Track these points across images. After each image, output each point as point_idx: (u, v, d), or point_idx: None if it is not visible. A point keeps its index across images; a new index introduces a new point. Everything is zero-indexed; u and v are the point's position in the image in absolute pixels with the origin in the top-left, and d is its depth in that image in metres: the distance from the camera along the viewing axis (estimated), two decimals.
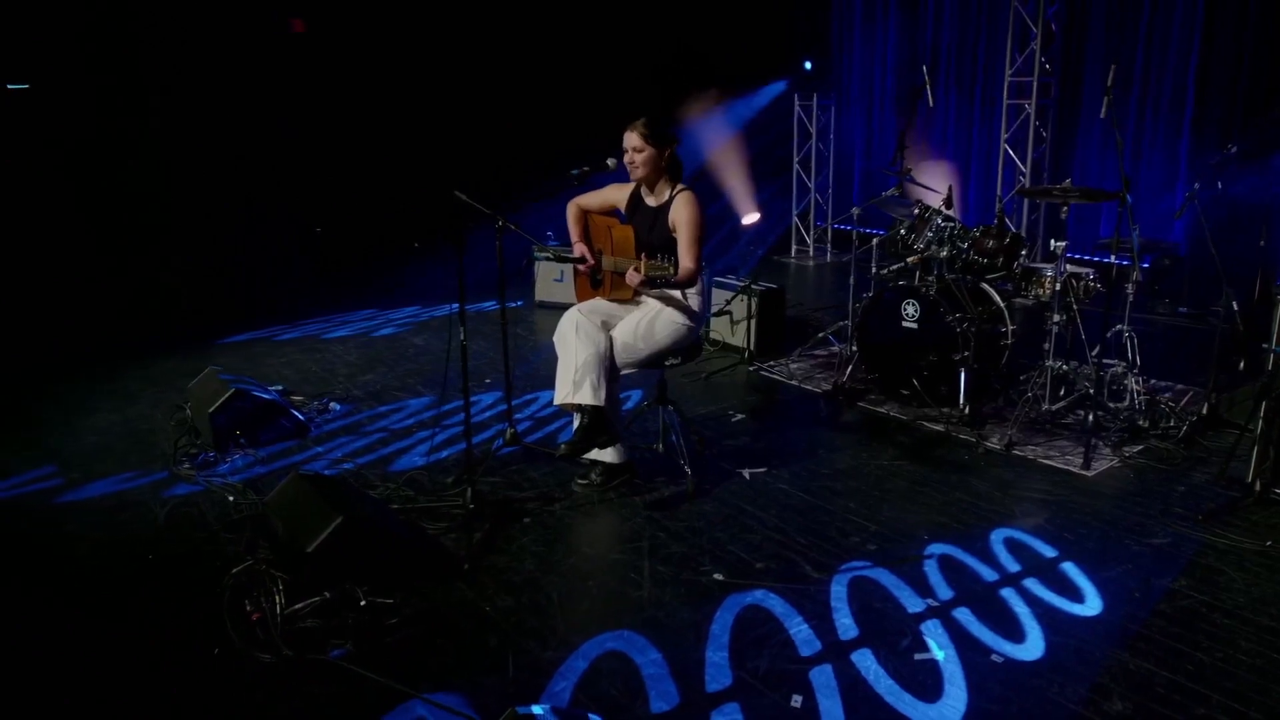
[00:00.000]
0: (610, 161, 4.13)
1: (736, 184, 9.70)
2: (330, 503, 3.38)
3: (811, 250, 10.66)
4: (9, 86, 8.31)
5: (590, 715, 2.48)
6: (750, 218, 9.90)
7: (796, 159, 10.55)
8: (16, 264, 7.63)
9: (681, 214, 4.07)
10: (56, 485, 4.45)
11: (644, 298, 4.20)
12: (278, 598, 3.17)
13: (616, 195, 4.38)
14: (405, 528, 3.74)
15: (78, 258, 8.08)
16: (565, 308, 6.23)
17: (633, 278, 3.78)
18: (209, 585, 3.40)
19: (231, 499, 4.21)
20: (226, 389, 4.84)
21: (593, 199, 4.42)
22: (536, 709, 2.28)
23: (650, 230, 4.17)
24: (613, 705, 2.78)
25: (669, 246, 4.08)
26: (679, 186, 4.18)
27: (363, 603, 3.19)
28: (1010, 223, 8.51)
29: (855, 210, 6.03)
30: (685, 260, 4.00)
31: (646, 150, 4.11)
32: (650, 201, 4.25)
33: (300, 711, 2.79)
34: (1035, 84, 8.43)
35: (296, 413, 5.19)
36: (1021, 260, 5.38)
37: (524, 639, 3.14)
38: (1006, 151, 8.74)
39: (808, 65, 10.36)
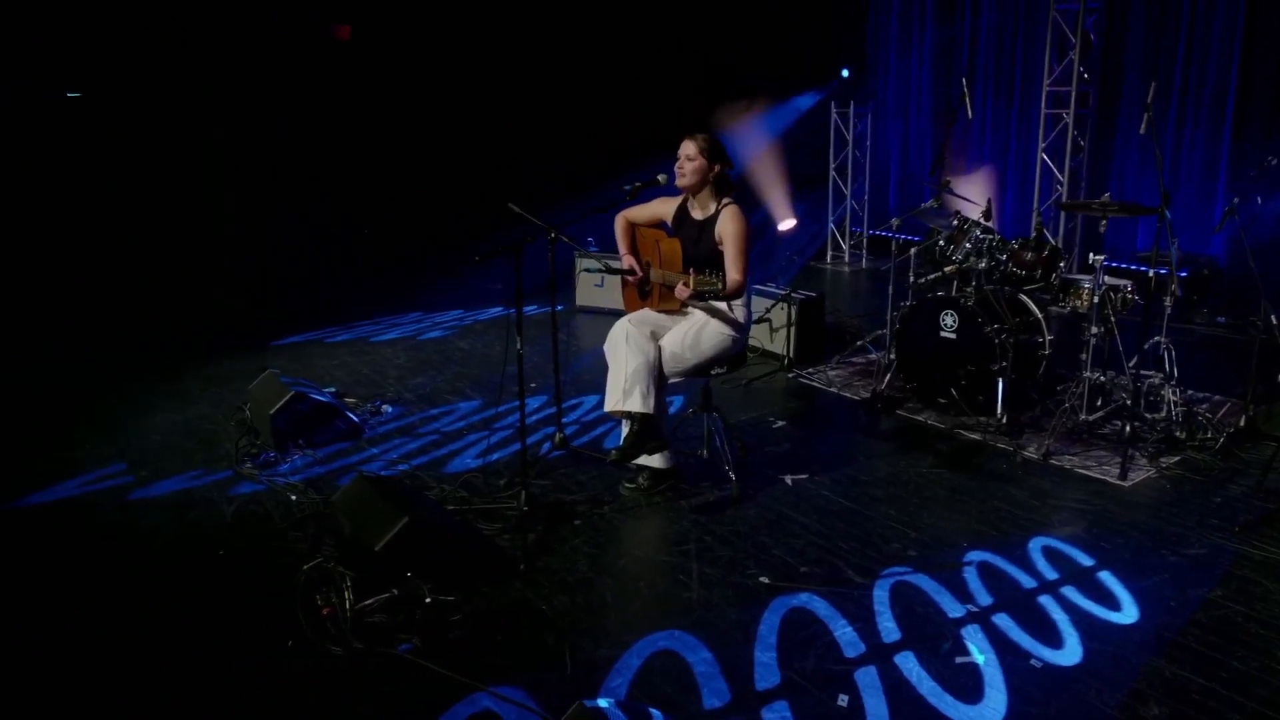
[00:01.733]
0: (661, 177, 4.28)
1: (773, 192, 9.82)
2: (394, 503, 3.55)
3: (847, 256, 10.74)
4: (69, 95, 8.62)
5: (650, 710, 2.62)
6: (786, 224, 10.02)
7: (833, 166, 10.64)
8: (78, 266, 7.92)
9: (727, 227, 4.21)
10: (127, 483, 4.66)
11: (691, 309, 4.34)
12: (346, 594, 3.35)
13: (664, 208, 4.52)
14: (463, 528, 3.91)
15: (137, 260, 8.37)
16: (605, 312, 6.40)
17: (682, 292, 3.93)
18: (279, 580, 3.60)
19: (294, 498, 4.41)
20: (286, 392, 5.03)
21: (640, 212, 4.56)
22: (602, 703, 2.43)
23: (696, 243, 4.31)
24: (668, 701, 2.92)
25: (714, 259, 4.21)
26: (725, 200, 4.31)
27: (427, 600, 3.35)
28: (1047, 232, 8.57)
29: (895, 221, 6.13)
30: (732, 272, 4.14)
31: (698, 160, 4.25)
32: (696, 215, 4.38)
33: (373, 702, 2.95)
34: (1074, 93, 8.46)
35: (351, 414, 5.38)
36: (1060, 272, 5.46)
37: (580, 637, 3.29)
38: (1044, 160, 8.77)
39: (844, 73, 10.45)
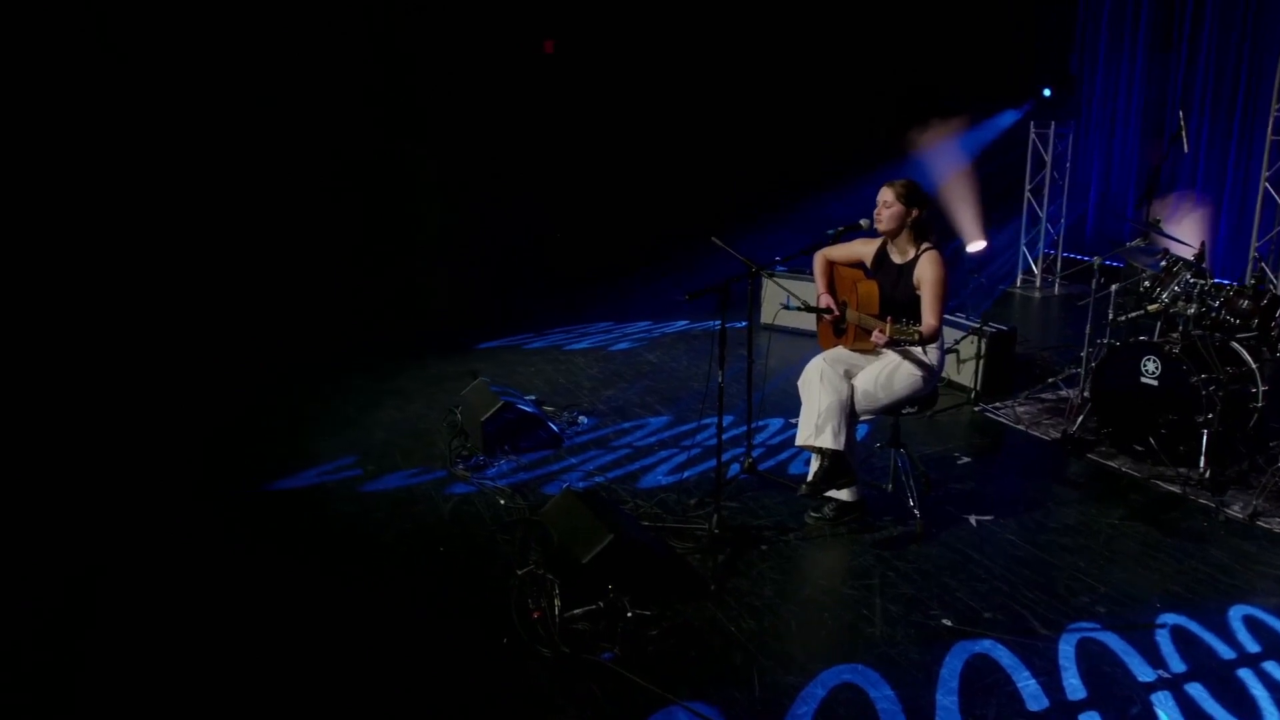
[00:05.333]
0: (863, 222, 4.43)
1: (966, 211, 9.67)
2: (601, 519, 3.86)
3: (1039, 281, 10.43)
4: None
5: None
6: (976, 245, 9.84)
7: (1029, 187, 10.36)
8: (313, 271, 8.77)
9: (927, 272, 4.30)
10: (358, 475, 5.22)
11: (884, 349, 4.45)
12: (555, 600, 3.68)
13: (863, 249, 4.64)
14: (661, 546, 4.19)
15: (361, 267, 9.19)
16: (790, 332, 6.57)
17: (878, 338, 4.05)
18: (491, 581, 3.99)
19: (502, 502, 4.82)
20: (496, 401, 5.48)
21: (839, 251, 4.71)
22: None
23: (894, 286, 4.42)
24: None
25: (912, 303, 4.32)
26: (925, 246, 4.40)
27: (629, 614, 3.65)
28: (1266, 266, 8.07)
29: (1097, 260, 5.98)
30: (928, 318, 4.23)
31: (896, 206, 4.36)
32: (896, 258, 4.49)
33: (576, 703, 3.26)
34: None
35: (552, 424, 5.78)
36: (1279, 321, 5.20)
37: (767, 660, 3.50)
38: (1267, 190, 8.25)
39: (1046, 92, 10.14)
